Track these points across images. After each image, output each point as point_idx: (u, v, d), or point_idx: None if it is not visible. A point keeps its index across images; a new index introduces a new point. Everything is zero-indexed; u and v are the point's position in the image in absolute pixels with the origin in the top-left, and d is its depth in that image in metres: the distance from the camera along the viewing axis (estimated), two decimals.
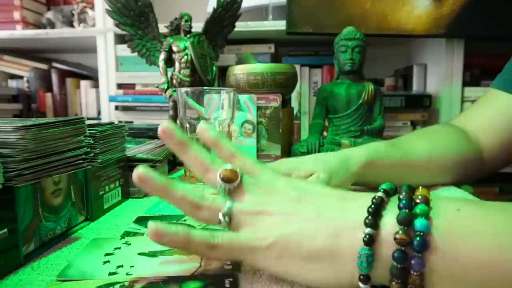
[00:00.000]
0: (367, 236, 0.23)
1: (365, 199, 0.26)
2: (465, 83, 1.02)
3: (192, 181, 0.62)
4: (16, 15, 1.21)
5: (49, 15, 1.24)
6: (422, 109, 1.05)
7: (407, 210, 0.23)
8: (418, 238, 0.22)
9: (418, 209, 0.23)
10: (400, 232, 0.23)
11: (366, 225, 0.24)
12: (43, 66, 1.34)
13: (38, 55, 1.41)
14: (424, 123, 1.07)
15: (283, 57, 1.18)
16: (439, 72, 1.04)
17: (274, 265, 0.26)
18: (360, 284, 0.24)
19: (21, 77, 1.34)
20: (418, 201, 0.24)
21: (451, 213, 0.23)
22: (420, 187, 0.26)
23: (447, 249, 0.22)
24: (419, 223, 0.22)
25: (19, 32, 1.18)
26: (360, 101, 0.76)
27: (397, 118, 1.05)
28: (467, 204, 0.24)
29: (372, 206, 0.24)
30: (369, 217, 0.24)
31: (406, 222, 0.23)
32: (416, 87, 1.12)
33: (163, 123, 0.29)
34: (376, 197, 0.25)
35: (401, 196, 0.25)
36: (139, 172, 0.27)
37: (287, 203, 0.27)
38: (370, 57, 0.85)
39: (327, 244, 0.25)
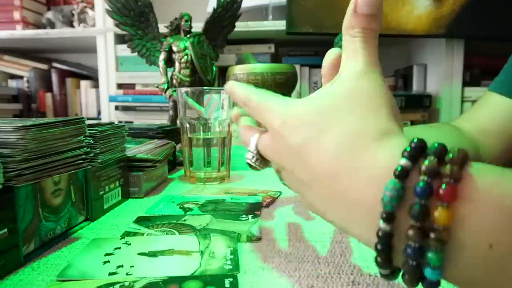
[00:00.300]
0: (400, 168, 0.19)
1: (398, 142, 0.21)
2: (465, 83, 1.03)
3: (192, 181, 0.62)
4: (16, 15, 1.21)
5: (49, 15, 1.24)
6: (422, 109, 1.05)
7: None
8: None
9: (432, 256, 0.18)
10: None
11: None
12: (43, 66, 1.34)
13: (38, 55, 1.41)
14: (424, 123, 1.07)
15: (283, 57, 1.18)
16: (439, 72, 1.04)
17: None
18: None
19: (21, 77, 1.34)
20: (432, 238, 0.18)
21: (478, 252, 0.17)
22: (441, 199, 0.18)
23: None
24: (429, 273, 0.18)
25: (19, 32, 1.18)
26: None
27: None
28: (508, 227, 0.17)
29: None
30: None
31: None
32: (416, 87, 1.12)
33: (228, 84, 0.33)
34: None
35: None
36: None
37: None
38: None
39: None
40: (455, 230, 0.17)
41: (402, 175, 0.19)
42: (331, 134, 0.23)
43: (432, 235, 0.18)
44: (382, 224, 0.19)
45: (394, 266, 0.20)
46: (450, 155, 0.19)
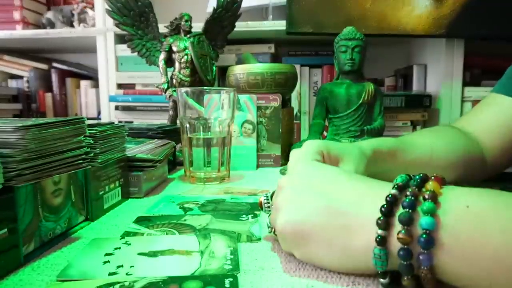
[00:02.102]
0: (379, 237, 0.25)
1: (379, 194, 0.27)
2: (465, 83, 1.02)
3: (192, 181, 0.62)
4: (16, 15, 1.21)
5: (49, 15, 1.24)
6: (422, 109, 1.05)
7: (409, 210, 0.24)
8: (424, 236, 0.23)
9: (425, 206, 0.24)
10: (403, 232, 0.24)
11: (379, 226, 0.25)
12: (43, 66, 1.34)
13: (38, 55, 1.41)
14: (424, 123, 1.07)
15: (283, 57, 1.18)
16: (439, 72, 1.04)
17: (291, 248, 0.30)
18: (381, 280, 0.26)
19: (21, 77, 1.34)
20: (426, 196, 0.24)
21: (459, 209, 0.23)
22: (431, 181, 0.26)
23: (453, 246, 0.23)
24: (424, 221, 0.23)
25: (19, 32, 1.18)
26: (360, 101, 0.76)
27: (397, 118, 1.05)
28: (478, 198, 0.24)
29: (385, 205, 0.25)
30: (381, 218, 0.25)
31: (407, 222, 0.24)
32: (416, 87, 1.12)
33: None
34: (390, 196, 0.25)
35: (407, 193, 0.25)
36: None
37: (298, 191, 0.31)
38: (370, 57, 0.85)
39: (340, 236, 0.27)
40: (441, 196, 0.24)
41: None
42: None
43: (424, 195, 0.24)
44: (393, 191, 0.26)
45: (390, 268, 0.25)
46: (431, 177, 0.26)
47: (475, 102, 1.01)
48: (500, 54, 1.03)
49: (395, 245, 0.24)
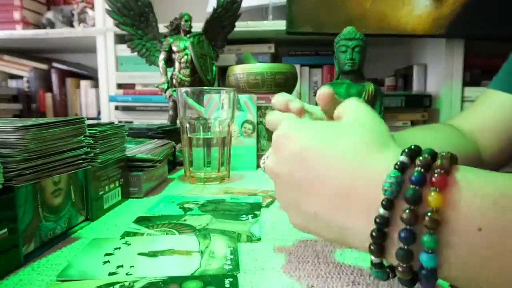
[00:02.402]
0: (399, 163, 0.21)
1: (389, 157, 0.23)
2: (465, 83, 1.03)
3: (192, 181, 0.62)
4: (16, 15, 1.21)
5: (49, 15, 1.24)
6: (422, 109, 1.05)
7: (406, 247, 0.20)
8: (424, 272, 0.20)
9: (425, 242, 0.19)
10: (400, 269, 0.21)
11: (373, 253, 0.22)
12: (43, 66, 1.34)
13: (38, 55, 1.41)
14: (424, 123, 1.07)
15: (283, 57, 1.18)
16: (439, 72, 1.04)
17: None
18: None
19: (21, 77, 1.34)
20: (426, 223, 0.19)
21: (468, 236, 0.19)
22: (434, 185, 0.20)
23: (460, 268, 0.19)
24: (425, 257, 0.19)
25: (19, 32, 1.18)
26: None
27: (397, 118, 1.05)
28: (494, 213, 0.19)
29: (375, 230, 0.21)
30: (374, 245, 0.21)
31: (407, 260, 0.20)
32: (416, 87, 1.12)
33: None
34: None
35: (403, 215, 0.20)
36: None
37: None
38: (370, 57, 0.85)
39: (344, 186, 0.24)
40: (447, 213, 0.19)
41: (402, 167, 0.21)
42: (340, 141, 0.25)
43: (426, 218, 0.19)
44: (381, 211, 0.21)
45: (385, 260, 0.22)
46: (442, 153, 0.21)
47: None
48: (500, 54, 1.03)
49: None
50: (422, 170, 0.21)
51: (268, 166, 0.30)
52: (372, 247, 0.21)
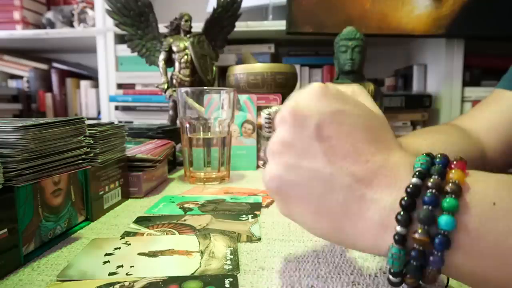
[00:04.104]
0: (398, 235, 0.21)
1: (392, 179, 0.23)
2: (465, 83, 1.03)
3: (192, 181, 0.62)
4: (16, 15, 1.20)
5: (49, 15, 1.24)
6: (422, 109, 1.05)
7: (430, 207, 0.21)
8: (440, 237, 0.20)
9: (446, 203, 0.20)
10: (420, 231, 0.21)
11: (399, 222, 0.21)
12: (43, 66, 1.34)
13: (38, 55, 1.41)
14: (424, 123, 1.07)
15: (283, 57, 1.18)
16: (439, 72, 1.04)
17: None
18: (391, 277, 0.22)
19: (21, 77, 1.34)
20: (448, 189, 0.21)
21: (484, 207, 0.20)
22: (454, 168, 0.22)
23: (472, 249, 0.20)
24: (443, 221, 0.20)
25: (19, 32, 1.18)
26: None
27: (397, 118, 1.05)
28: (508, 192, 0.21)
29: (405, 199, 0.21)
30: (402, 213, 0.21)
31: (428, 221, 0.21)
32: (416, 87, 1.12)
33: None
34: (411, 186, 0.21)
35: (429, 184, 0.21)
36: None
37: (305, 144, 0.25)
38: (370, 57, 0.85)
39: (334, 214, 0.23)
40: (465, 190, 0.21)
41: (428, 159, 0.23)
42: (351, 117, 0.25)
43: (449, 184, 0.21)
44: (414, 180, 0.22)
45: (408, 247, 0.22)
46: (456, 157, 0.23)
47: (475, 102, 1.01)
48: (500, 54, 1.03)
49: (411, 243, 0.21)
50: (445, 161, 0.23)
51: (292, 105, 0.25)
52: (399, 217, 0.21)
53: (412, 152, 0.27)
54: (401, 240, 0.21)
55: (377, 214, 0.22)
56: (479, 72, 1.06)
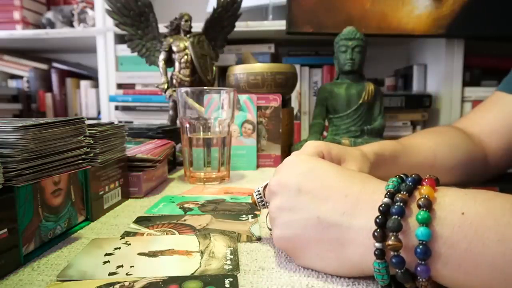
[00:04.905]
0: (378, 251, 0.24)
1: (371, 200, 0.26)
2: (465, 83, 1.02)
3: (192, 181, 0.62)
4: (16, 15, 1.20)
5: (49, 15, 1.23)
6: (422, 109, 1.05)
7: (398, 217, 0.24)
8: (421, 247, 0.22)
9: (420, 216, 0.23)
10: (392, 238, 0.23)
11: (376, 238, 0.24)
12: (43, 66, 1.34)
13: (38, 55, 1.41)
14: (424, 123, 1.07)
15: (283, 57, 1.18)
16: (439, 72, 1.04)
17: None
18: None
19: (21, 77, 1.34)
20: (420, 204, 0.23)
21: (454, 217, 0.23)
22: (424, 185, 0.25)
23: (450, 256, 0.22)
24: (420, 232, 0.22)
25: (19, 32, 1.18)
26: (360, 101, 0.76)
27: (397, 118, 1.05)
28: (474, 203, 0.23)
29: (379, 216, 0.24)
30: (378, 230, 0.24)
31: (396, 228, 0.23)
32: (416, 87, 1.12)
33: None
34: (383, 205, 0.25)
35: (397, 198, 0.24)
36: None
37: (290, 197, 0.30)
38: (370, 57, 0.85)
39: (333, 249, 0.27)
40: (434, 203, 0.24)
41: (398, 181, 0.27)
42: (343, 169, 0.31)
43: (421, 199, 0.23)
44: (385, 200, 0.25)
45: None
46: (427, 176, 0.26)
47: (475, 102, 1.01)
48: (500, 54, 1.03)
49: (388, 254, 0.24)
50: (414, 180, 0.26)
51: (276, 178, 0.32)
52: (375, 233, 0.24)
53: (417, 152, 0.36)
54: (380, 254, 0.24)
55: (367, 238, 0.25)
56: (479, 72, 1.06)
